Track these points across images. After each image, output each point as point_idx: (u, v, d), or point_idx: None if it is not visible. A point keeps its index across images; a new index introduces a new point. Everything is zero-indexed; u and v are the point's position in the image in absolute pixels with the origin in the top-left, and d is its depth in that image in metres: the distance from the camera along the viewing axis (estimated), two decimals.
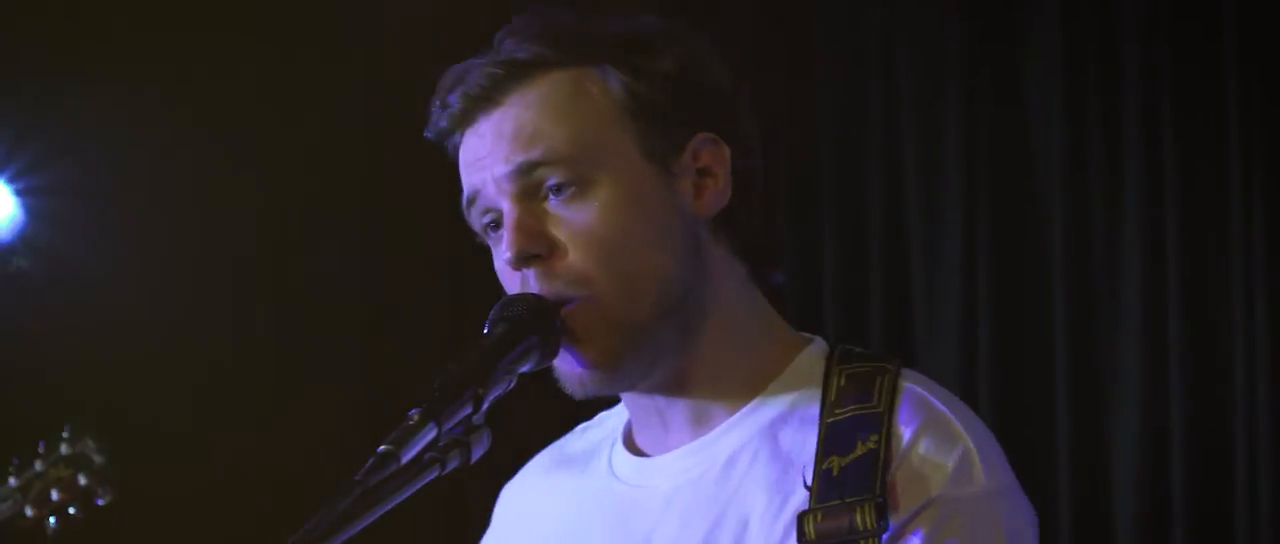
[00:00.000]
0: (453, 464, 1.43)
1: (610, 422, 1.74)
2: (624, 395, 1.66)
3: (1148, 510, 3.79)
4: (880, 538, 1.46)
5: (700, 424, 1.61)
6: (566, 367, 1.56)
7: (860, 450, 1.50)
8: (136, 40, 4.03)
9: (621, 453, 1.67)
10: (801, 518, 1.49)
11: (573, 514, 1.68)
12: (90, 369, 3.96)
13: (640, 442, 1.67)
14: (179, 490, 3.98)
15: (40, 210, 3.97)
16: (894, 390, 1.55)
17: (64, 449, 2.99)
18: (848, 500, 1.47)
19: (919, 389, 1.57)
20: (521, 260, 1.54)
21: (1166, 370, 3.77)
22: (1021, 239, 3.98)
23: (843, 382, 1.57)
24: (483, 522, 1.82)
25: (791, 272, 4.20)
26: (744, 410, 1.60)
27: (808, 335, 1.67)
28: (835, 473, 1.50)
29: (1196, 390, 3.75)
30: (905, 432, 1.52)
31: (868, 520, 1.46)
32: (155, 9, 4.05)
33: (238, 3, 4.15)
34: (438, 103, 1.60)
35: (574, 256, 1.54)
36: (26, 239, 3.94)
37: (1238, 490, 3.70)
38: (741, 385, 1.61)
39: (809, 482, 1.51)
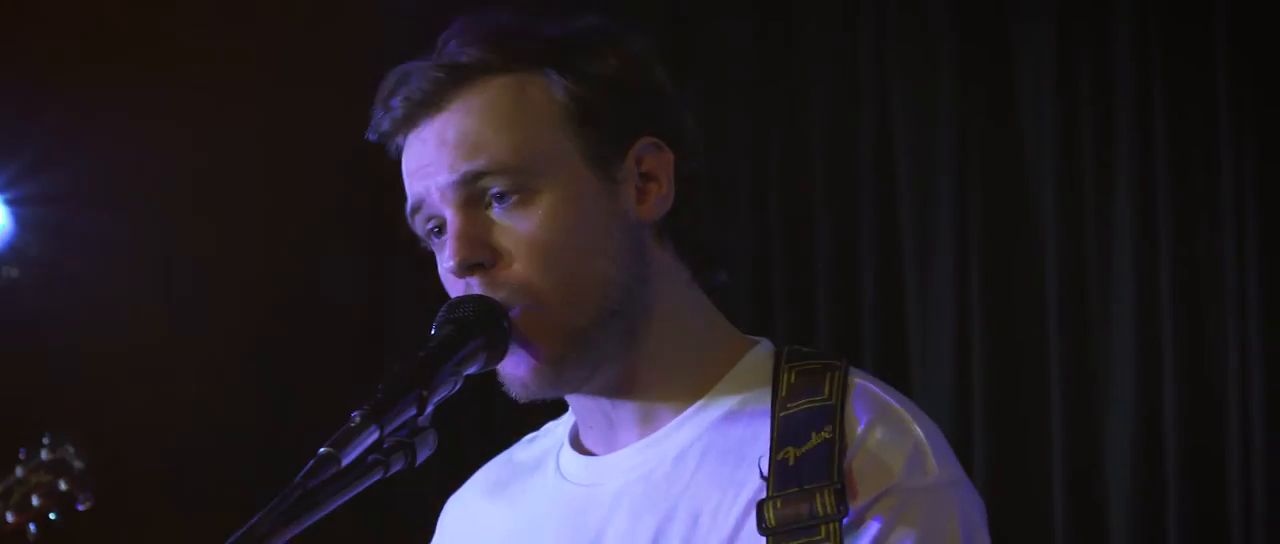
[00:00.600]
0: (397, 466, 1.42)
1: (558, 429, 1.74)
2: (570, 397, 1.66)
3: (1141, 509, 3.79)
4: (840, 522, 1.47)
5: (648, 423, 1.62)
6: (509, 370, 1.57)
7: (815, 440, 1.52)
8: (127, 46, 4.03)
9: (569, 454, 1.68)
10: (761, 506, 1.50)
11: (522, 518, 1.68)
12: (82, 376, 3.96)
13: (587, 442, 1.67)
14: (171, 495, 3.98)
15: (31, 220, 3.98)
16: (845, 385, 1.57)
17: (44, 455, 2.99)
18: (806, 487, 1.49)
19: (869, 383, 1.59)
20: (464, 270, 1.54)
21: (1159, 371, 3.76)
22: (1014, 237, 3.97)
23: (793, 378, 1.59)
24: None
25: (784, 267, 4.20)
26: (692, 408, 1.61)
27: (754, 337, 1.68)
28: (791, 463, 1.52)
29: (1190, 390, 3.74)
30: (859, 422, 1.54)
31: (827, 505, 1.48)
32: (146, 15, 4.05)
33: (229, 7, 4.16)
34: (380, 105, 1.60)
35: (517, 265, 1.54)
36: (17, 248, 3.94)
37: (1232, 490, 3.70)
38: (689, 385, 1.62)
39: (765, 472, 1.52)
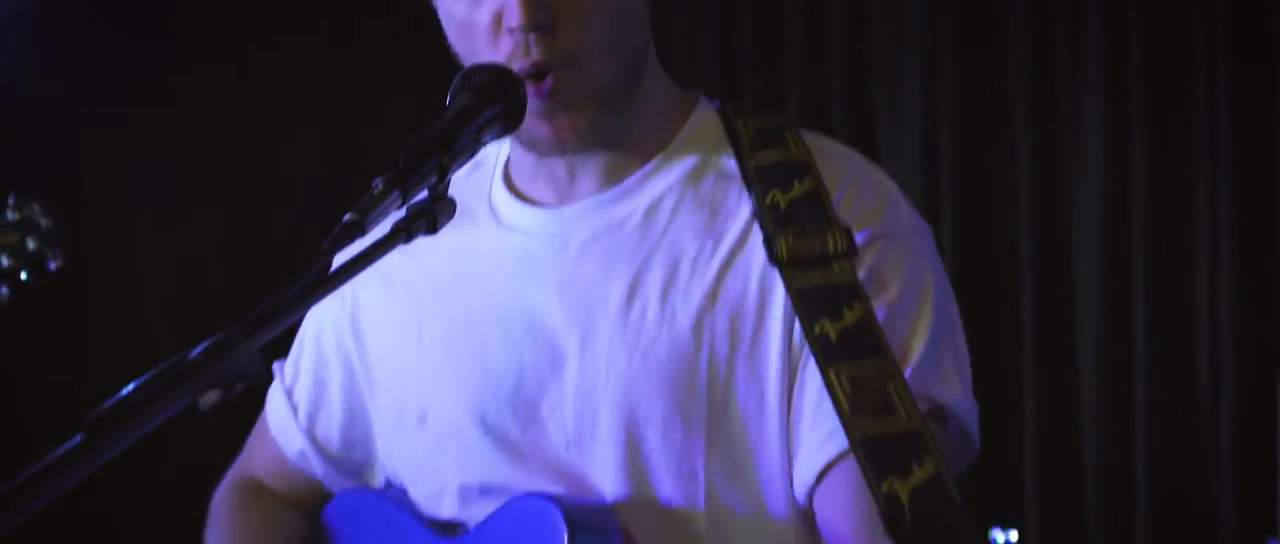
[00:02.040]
0: (419, 234, 1.42)
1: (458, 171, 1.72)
2: (522, 142, 1.68)
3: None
4: (850, 260, 1.55)
5: (613, 174, 1.67)
6: (542, 131, 1.59)
7: (799, 189, 1.60)
8: None
9: (511, 202, 1.71)
10: (770, 239, 1.57)
11: (454, 266, 1.71)
12: None
13: (533, 193, 1.71)
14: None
15: None
16: (805, 142, 1.65)
17: (10, 215, 2.94)
18: (809, 227, 1.57)
19: (830, 142, 1.67)
20: (531, 28, 1.55)
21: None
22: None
23: (751, 131, 1.66)
24: None
25: None
26: (657, 160, 1.67)
27: (693, 91, 1.73)
28: (784, 207, 1.59)
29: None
30: (837, 175, 1.62)
31: (839, 244, 1.57)
32: None
33: None
34: None
35: (569, 28, 1.56)
36: None
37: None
38: (652, 138, 1.68)
39: (756, 209, 1.60)
